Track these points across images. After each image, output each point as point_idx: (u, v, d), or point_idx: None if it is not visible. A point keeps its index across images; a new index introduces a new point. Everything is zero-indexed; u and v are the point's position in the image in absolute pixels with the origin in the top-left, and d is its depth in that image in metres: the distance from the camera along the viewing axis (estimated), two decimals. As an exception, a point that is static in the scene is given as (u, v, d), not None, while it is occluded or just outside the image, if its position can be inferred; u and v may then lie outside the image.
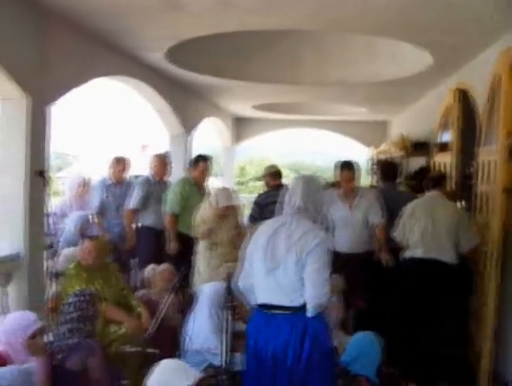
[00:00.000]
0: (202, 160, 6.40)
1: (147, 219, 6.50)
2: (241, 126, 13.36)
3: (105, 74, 6.08)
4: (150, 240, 6.40)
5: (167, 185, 6.68)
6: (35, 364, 3.40)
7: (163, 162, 6.73)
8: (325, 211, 4.65)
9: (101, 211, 6.49)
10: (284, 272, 3.10)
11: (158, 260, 5.55)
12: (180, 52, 6.14)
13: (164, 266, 5.12)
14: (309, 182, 3.29)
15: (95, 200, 6.49)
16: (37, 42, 4.57)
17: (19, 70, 4.36)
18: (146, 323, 4.40)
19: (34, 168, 4.44)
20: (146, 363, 3.62)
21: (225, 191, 5.57)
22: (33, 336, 3.41)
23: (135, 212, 6.45)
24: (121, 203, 6.52)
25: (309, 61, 7.00)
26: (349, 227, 5.60)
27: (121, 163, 6.67)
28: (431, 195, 5.19)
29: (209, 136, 13.46)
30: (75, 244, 5.20)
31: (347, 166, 5.62)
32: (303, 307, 3.09)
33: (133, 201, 6.39)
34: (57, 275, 4.48)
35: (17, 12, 4.28)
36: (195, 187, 6.35)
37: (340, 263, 4.39)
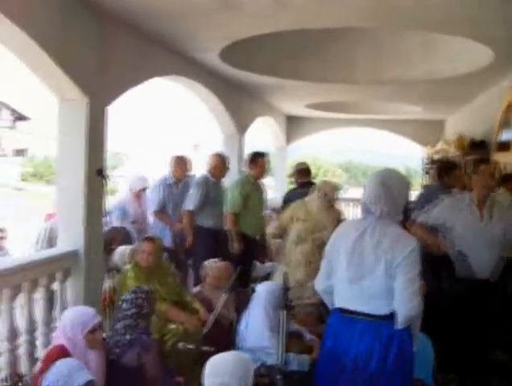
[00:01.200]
0: (260, 156, 6.40)
1: (204, 220, 6.50)
2: (293, 125, 13.31)
3: (161, 74, 6.16)
4: (207, 240, 6.40)
5: (223, 185, 6.72)
6: (92, 358, 3.49)
7: (222, 162, 6.73)
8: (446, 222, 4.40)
9: (161, 210, 6.57)
10: (371, 282, 2.98)
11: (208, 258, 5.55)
12: (234, 52, 6.15)
13: (219, 264, 5.14)
14: (390, 181, 3.06)
15: (155, 198, 6.57)
16: (96, 44, 4.65)
17: (79, 72, 4.45)
18: (204, 319, 4.44)
19: (93, 167, 4.53)
20: (201, 361, 3.65)
21: (331, 184, 5.65)
22: (92, 330, 3.48)
23: (193, 213, 6.46)
24: (179, 203, 6.58)
25: (364, 59, 6.91)
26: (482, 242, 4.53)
27: (182, 163, 6.72)
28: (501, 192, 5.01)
29: (262, 135, 13.48)
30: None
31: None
32: (389, 316, 2.98)
33: (192, 202, 6.40)
34: (112, 271, 4.58)
35: (77, 15, 4.37)
36: (254, 185, 6.37)
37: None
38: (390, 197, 3.01)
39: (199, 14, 4.71)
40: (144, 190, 6.83)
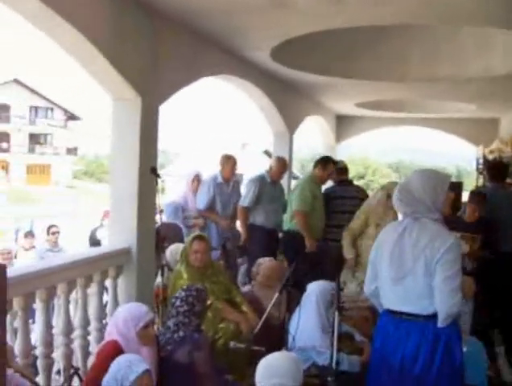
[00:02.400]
0: (332, 162, 6.44)
1: (257, 218, 6.55)
2: (343, 124, 13.18)
3: (212, 73, 6.19)
4: (260, 238, 6.44)
5: (280, 186, 6.76)
6: (145, 354, 3.52)
7: (283, 165, 6.81)
8: None
9: (210, 208, 6.61)
10: (413, 281, 2.98)
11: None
12: (286, 51, 6.13)
13: (270, 263, 5.14)
14: (411, 183, 3.09)
15: (203, 197, 6.61)
16: (149, 43, 4.71)
17: (132, 71, 4.51)
18: (254, 321, 4.45)
19: (145, 165, 4.58)
20: (252, 360, 3.66)
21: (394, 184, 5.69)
22: (145, 327, 3.52)
23: (248, 210, 6.51)
24: (228, 202, 6.61)
25: (417, 57, 6.78)
26: None
27: (231, 161, 6.75)
28: None
29: (311, 134, 13.42)
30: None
31: None
32: (434, 315, 2.97)
33: (247, 198, 6.48)
34: (164, 268, 4.63)
35: (130, 15, 4.43)
36: (318, 188, 6.40)
37: None
38: (412, 198, 3.05)
39: (251, 12, 4.71)
40: (198, 185, 6.89)
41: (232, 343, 4.15)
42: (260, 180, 6.57)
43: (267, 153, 34.13)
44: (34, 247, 9.39)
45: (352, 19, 4.95)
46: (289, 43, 5.74)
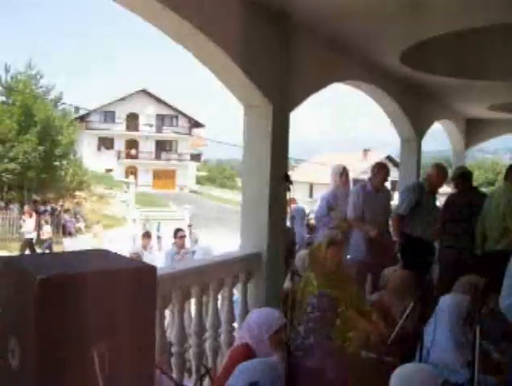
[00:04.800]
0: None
1: (414, 229, 6.29)
2: (473, 128, 12.55)
3: (341, 79, 6.15)
4: (418, 250, 6.18)
5: (434, 198, 6.56)
6: (275, 359, 3.55)
7: (445, 175, 6.54)
8: None
9: (358, 217, 6.42)
10: None
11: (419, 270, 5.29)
12: (416, 54, 5.95)
13: (400, 272, 4.99)
14: None
15: (352, 206, 6.40)
16: (280, 50, 4.75)
17: (264, 79, 4.58)
18: (384, 331, 4.34)
19: (276, 172, 4.64)
20: (382, 371, 3.56)
21: None
22: (277, 332, 3.54)
23: (402, 218, 6.30)
24: (377, 211, 6.44)
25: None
26: None
27: (383, 170, 6.53)
28: None
29: (438, 139, 12.96)
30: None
31: None
32: None
33: (402, 206, 6.30)
34: (294, 274, 4.63)
35: (260, 23, 4.50)
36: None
37: None
38: None
39: (380, 16, 4.64)
40: (346, 180, 6.82)
41: (364, 353, 4.07)
42: (416, 188, 6.33)
43: (391, 159, 33.48)
44: (151, 248, 9.91)
45: (487, 18, 4.70)
46: (419, 45, 5.57)
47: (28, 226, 22.13)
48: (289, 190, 4.07)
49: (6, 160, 29.02)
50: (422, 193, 6.27)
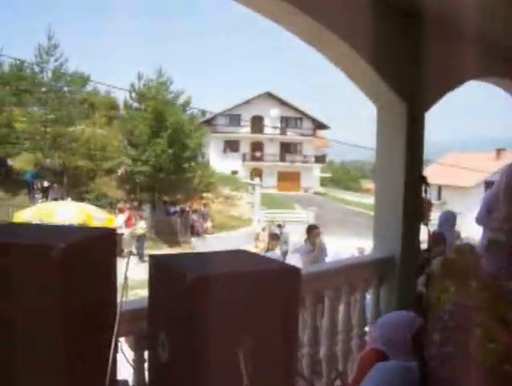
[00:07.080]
0: None
1: None
2: None
3: (476, 76, 5.83)
4: None
5: None
6: (414, 362, 3.44)
7: None
8: None
9: None
10: None
11: None
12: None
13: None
14: None
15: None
16: (411, 47, 4.61)
17: (396, 77, 4.48)
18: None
19: (411, 173, 4.51)
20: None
21: None
22: (417, 333, 3.45)
23: None
24: None
25: None
26: None
27: None
28: None
29: None
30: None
31: None
32: None
33: None
34: (430, 278, 4.48)
35: (391, 20, 4.40)
36: None
37: None
38: None
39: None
40: None
41: (506, 367, 3.83)
42: None
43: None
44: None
45: None
46: None
47: (119, 221, 23.19)
48: (426, 192, 3.94)
49: (139, 163, 30.74)
50: None
